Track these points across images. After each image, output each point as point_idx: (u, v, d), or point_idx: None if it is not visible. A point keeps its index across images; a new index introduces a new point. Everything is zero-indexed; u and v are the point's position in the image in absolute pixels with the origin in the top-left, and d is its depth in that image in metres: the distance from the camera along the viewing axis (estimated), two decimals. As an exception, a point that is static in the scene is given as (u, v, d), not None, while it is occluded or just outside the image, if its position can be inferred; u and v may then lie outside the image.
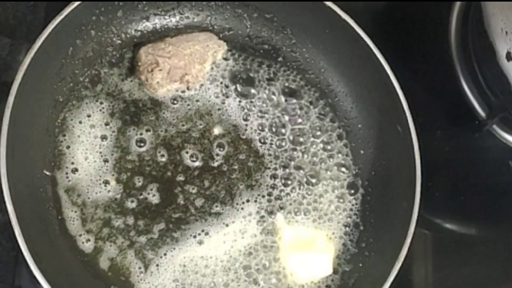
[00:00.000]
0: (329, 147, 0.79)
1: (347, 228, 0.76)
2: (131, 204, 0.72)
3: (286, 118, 0.79)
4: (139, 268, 0.70)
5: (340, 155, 0.79)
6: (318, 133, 0.79)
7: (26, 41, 0.78)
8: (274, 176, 0.76)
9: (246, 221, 0.74)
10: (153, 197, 0.73)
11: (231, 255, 0.72)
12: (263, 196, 0.75)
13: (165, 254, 0.71)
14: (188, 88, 0.77)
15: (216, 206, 0.74)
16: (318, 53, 0.81)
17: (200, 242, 0.72)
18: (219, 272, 0.71)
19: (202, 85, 0.78)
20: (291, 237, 0.74)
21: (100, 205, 0.71)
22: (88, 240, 0.70)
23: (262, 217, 0.74)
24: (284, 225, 0.74)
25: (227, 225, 0.73)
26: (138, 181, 0.73)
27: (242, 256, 0.72)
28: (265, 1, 0.79)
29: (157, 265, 0.70)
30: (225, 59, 0.79)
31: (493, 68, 0.75)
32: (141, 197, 0.73)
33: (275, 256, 0.73)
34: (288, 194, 0.76)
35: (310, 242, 0.74)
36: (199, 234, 0.72)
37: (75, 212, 0.71)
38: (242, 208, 0.74)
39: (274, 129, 0.78)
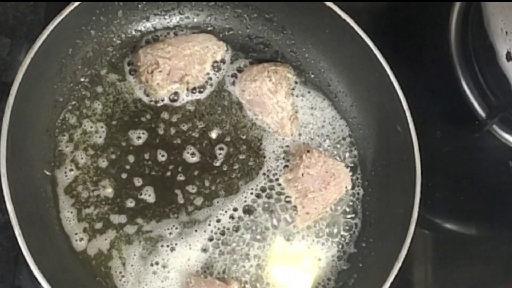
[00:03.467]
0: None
1: (347, 228, 0.76)
2: (130, 204, 0.72)
3: (286, 118, 0.79)
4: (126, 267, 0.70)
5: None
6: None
7: (26, 41, 0.78)
8: (274, 176, 0.76)
9: (244, 220, 0.74)
10: (152, 197, 0.73)
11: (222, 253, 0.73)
12: (265, 197, 0.75)
13: (155, 251, 0.71)
14: (188, 89, 0.77)
15: (217, 202, 0.74)
16: (318, 53, 0.81)
17: (189, 238, 0.72)
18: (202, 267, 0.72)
19: (202, 85, 0.78)
20: (282, 247, 0.74)
21: (99, 205, 0.71)
22: (82, 239, 0.70)
23: (261, 217, 0.74)
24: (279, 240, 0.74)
25: (224, 221, 0.73)
26: (138, 181, 0.73)
27: (236, 256, 0.73)
28: (265, 1, 0.79)
29: (151, 264, 0.71)
30: (225, 59, 0.79)
31: (493, 68, 0.75)
32: (140, 197, 0.73)
33: (262, 261, 0.73)
34: (288, 192, 0.76)
35: (297, 257, 0.74)
36: (187, 228, 0.72)
37: (71, 212, 0.70)
38: (241, 208, 0.74)
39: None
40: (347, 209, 0.77)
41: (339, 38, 0.77)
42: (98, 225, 0.71)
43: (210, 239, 0.72)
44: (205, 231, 0.73)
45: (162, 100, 0.76)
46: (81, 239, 0.70)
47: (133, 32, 0.79)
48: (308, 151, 0.74)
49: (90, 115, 0.74)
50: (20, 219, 0.62)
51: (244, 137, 0.77)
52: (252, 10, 0.80)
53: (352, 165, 0.78)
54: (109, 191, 0.72)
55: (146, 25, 0.79)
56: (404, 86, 0.73)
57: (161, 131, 0.75)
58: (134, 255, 0.71)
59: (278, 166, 0.77)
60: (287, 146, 0.78)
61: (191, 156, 0.75)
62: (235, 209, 0.74)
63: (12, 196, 0.62)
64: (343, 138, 0.79)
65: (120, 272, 0.70)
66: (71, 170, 0.72)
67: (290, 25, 0.80)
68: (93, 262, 0.70)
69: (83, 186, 0.72)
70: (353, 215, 0.76)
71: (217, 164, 0.76)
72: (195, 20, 0.80)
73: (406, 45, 0.87)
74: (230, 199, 0.74)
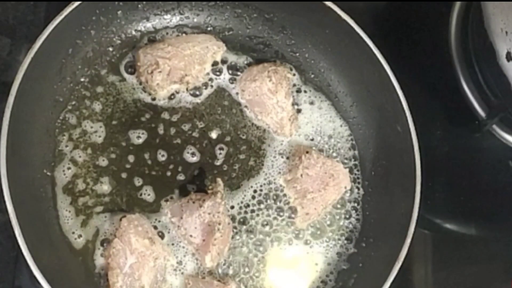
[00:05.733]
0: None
1: (347, 228, 0.76)
2: (129, 204, 0.72)
3: (286, 118, 0.79)
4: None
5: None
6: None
7: (26, 41, 0.78)
8: (274, 176, 0.76)
9: (243, 220, 0.74)
10: (151, 196, 0.73)
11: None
12: (265, 197, 0.75)
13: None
14: (188, 89, 0.77)
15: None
16: (318, 53, 0.81)
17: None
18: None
19: (202, 85, 0.78)
20: (281, 247, 0.74)
21: (99, 205, 0.71)
22: (80, 235, 0.70)
23: (260, 217, 0.74)
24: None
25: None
26: (138, 181, 0.73)
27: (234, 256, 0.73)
28: (265, 1, 0.79)
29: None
30: (225, 59, 0.79)
31: (493, 68, 0.76)
32: (140, 196, 0.73)
33: (260, 260, 0.73)
34: (287, 193, 0.76)
35: (296, 258, 0.74)
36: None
37: (69, 211, 0.70)
38: (240, 208, 0.74)
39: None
40: (347, 210, 0.77)
41: (339, 38, 0.77)
42: (96, 223, 0.71)
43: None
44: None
45: (162, 100, 0.76)
46: (80, 235, 0.70)
47: (133, 32, 0.79)
48: (307, 152, 0.74)
49: (90, 115, 0.74)
50: (20, 219, 0.62)
51: (244, 137, 0.77)
52: (252, 10, 0.80)
53: (352, 165, 0.78)
54: (109, 191, 0.72)
55: (146, 25, 0.79)
56: (404, 86, 0.73)
57: (161, 131, 0.75)
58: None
59: (277, 166, 0.77)
60: (287, 146, 0.78)
61: (191, 156, 0.75)
62: (234, 209, 0.74)
63: (12, 196, 0.62)
64: (343, 138, 0.79)
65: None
66: (71, 170, 0.72)
67: (290, 25, 0.80)
68: (91, 262, 0.69)
69: (83, 186, 0.71)
70: (353, 215, 0.77)
71: (217, 164, 0.76)
72: (195, 20, 0.80)
73: (406, 45, 0.88)
74: (229, 199, 0.74)
